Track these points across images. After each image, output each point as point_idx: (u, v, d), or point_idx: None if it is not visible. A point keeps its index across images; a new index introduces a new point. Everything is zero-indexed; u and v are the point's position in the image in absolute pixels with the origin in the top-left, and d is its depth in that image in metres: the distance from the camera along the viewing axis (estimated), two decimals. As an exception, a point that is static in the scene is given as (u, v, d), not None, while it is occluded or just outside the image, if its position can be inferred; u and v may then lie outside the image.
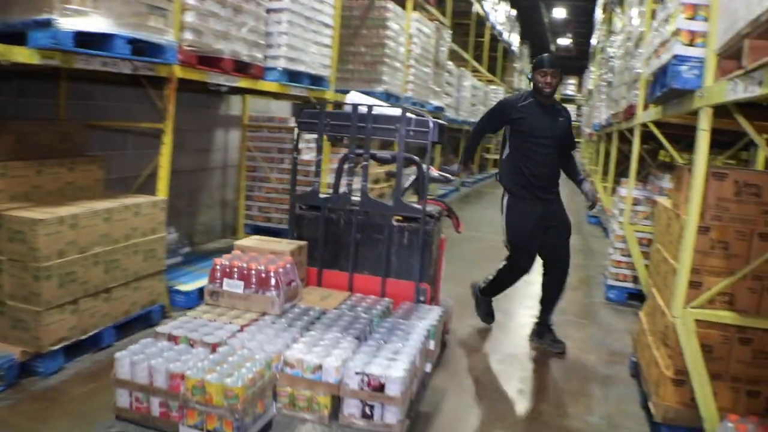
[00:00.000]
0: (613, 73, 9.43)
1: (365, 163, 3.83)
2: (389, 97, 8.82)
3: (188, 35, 4.51)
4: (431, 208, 3.93)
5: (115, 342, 4.25)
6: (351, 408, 2.75)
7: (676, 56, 3.30)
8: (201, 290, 5.14)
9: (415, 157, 4.12)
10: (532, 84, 4.64)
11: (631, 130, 7.56)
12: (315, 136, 7.65)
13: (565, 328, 5.31)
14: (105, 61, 3.81)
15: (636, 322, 5.54)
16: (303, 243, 3.79)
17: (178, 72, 4.47)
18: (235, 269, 3.34)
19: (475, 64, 16.76)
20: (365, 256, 3.87)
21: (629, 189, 6.20)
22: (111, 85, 5.57)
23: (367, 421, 2.73)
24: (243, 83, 5.38)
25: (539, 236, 4.64)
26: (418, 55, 9.90)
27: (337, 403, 2.78)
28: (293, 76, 6.18)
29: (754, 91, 2.27)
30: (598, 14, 17.07)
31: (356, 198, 3.85)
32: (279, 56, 5.86)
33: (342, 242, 3.90)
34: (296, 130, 4.11)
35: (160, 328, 3.04)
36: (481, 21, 16.69)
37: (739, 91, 2.46)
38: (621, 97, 7.71)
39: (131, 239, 4.32)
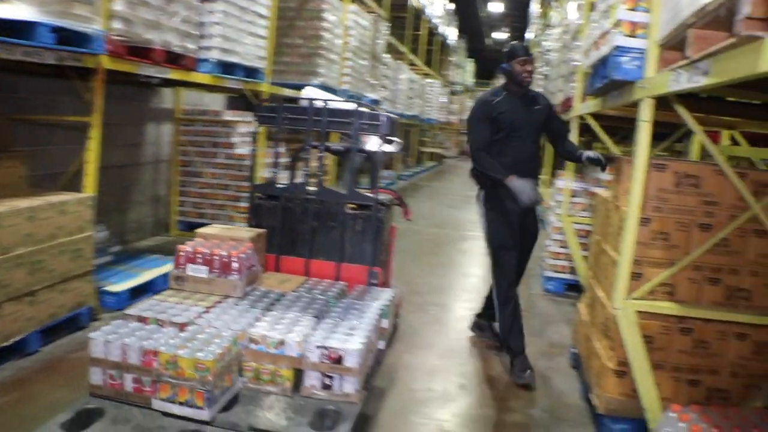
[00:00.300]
0: (550, 66, 9.50)
1: (320, 154, 4.03)
2: (325, 90, 8.69)
3: (117, 24, 4.33)
4: (383, 196, 4.10)
5: (41, 348, 4.04)
6: (312, 380, 2.94)
7: (617, 47, 3.28)
8: (133, 290, 4.96)
9: (368, 149, 4.23)
10: (506, 77, 4.30)
11: (568, 123, 7.64)
12: (250, 129, 7.70)
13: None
14: (27, 50, 3.61)
15: (575, 313, 5.60)
16: (262, 231, 3.92)
17: (106, 63, 4.28)
18: (199, 255, 3.49)
19: (412, 57, 16.74)
20: (321, 243, 4.04)
21: (567, 181, 6.24)
22: (36, 77, 5.31)
23: (327, 391, 2.93)
24: (175, 75, 5.22)
25: (518, 239, 4.33)
26: (354, 47, 9.80)
27: (298, 375, 2.96)
28: (227, 67, 6.04)
29: (698, 81, 2.25)
30: (534, 8, 17.21)
31: (312, 188, 4.03)
32: (212, 47, 5.71)
33: (298, 230, 4.05)
34: (255, 123, 4.24)
35: (129, 310, 3.19)
36: (418, 14, 16.68)
37: (683, 81, 2.44)
38: (558, 89, 7.76)
39: (57, 239, 4.12)
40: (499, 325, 4.45)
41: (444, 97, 22.16)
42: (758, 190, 3.25)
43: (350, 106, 4.06)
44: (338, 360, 2.89)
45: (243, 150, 7.56)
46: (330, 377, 2.92)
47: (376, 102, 11.68)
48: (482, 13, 26.77)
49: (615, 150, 6.32)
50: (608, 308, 3.54)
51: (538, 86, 11.80)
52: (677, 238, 3.30)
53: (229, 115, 7.76)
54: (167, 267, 5.55)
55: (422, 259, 7.42)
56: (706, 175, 3.27)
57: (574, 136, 6.22)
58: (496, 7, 26.14)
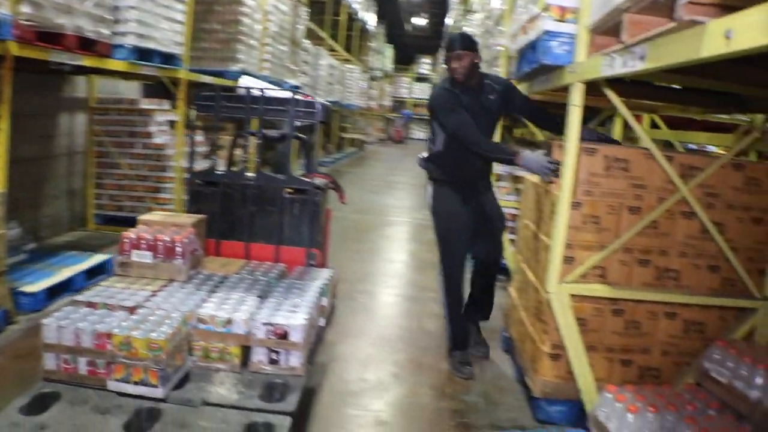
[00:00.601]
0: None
1: (258, 141, 4.13)
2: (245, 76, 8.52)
3: (25, 8, 4.06)
4: (318, 180, 4.21)
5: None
6: (259, 355, 3.06)
7: (546, 32, 3.28)
8: (50, 290, 4.69)
9: (303, 135, 4.38)
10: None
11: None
12: (168, 118, 7.46)
13: (432, 305, 5.33)
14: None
15: (504, 297, 5.65)
16: (202, 216, 3.98)
17: (15, 49, 4.01)
18: (143, 241, 3.55)
19: (332, 42, 16.59)
20: (259, 227, 4.12)
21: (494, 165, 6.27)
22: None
23: (274, 366, 3.05)
24: (88, 62, 4.96)
25: (470, 229, 4.15)
26: (274, 32, 9.63)
27: (246, 352, 3.07)
28: (143, 54, 5.80)
29: (634, 66, 2.25)
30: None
31: (250, 173, 4.10)
32: (127, 32, 5.48)
33: (237, 214, 4.12)
34: (193, 111, 4.34)
35: (78, 297, 3.25)
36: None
37: (617, 66, 2.45)
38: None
39: (-35, 237, 3.86)
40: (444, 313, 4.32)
41: (364, 82, 22.08)
42: (685, 173, 3.33)
43: (286, 94, 4.15)
44: (284, 335, 3.02)
45: (161, 139, 7.31)
46: (276, 352, 3.05)
47: (297, 88, 11.53)
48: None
49: (540, 135, 6.41)
50: (541, 292, 3.56)
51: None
52: (608, 222, 3.34)
53: (145, 104, 7.48)
54: (86, 263, 5.34)
55: (347, 246, 7.36)
56: (635, 159, 3.32)
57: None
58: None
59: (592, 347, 3.40)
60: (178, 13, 6.35)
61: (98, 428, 2.56)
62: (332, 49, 16.81)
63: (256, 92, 4.08)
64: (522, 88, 4.57)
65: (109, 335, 2.81)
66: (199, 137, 7.95)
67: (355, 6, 18.62)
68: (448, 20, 20.73)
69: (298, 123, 4.11)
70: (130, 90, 8.35)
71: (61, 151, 7.03)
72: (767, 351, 3.12)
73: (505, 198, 6.29)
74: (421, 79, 33.74)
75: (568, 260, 3.31)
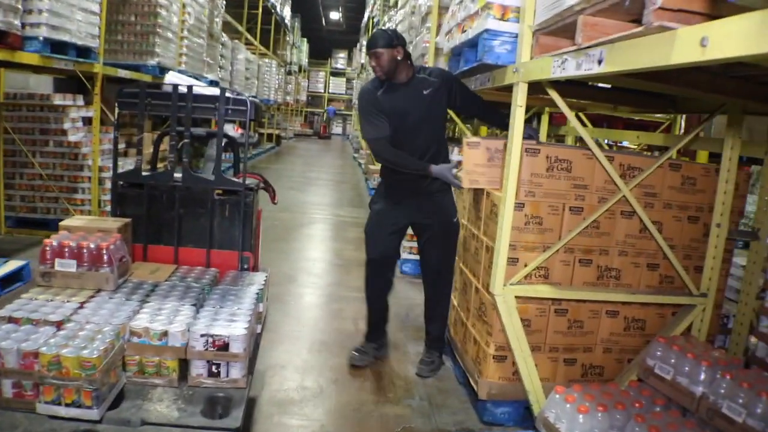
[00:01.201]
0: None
1: (185, 140, 3.85)
2: (163, 71, 8.22)
3: (-73, -4, 3.76)
4: (249, 181, 4.02)
5: None
6: (198, 369, 2.87)
7: (487, 30, 3.24)
8: None
9: (231, 135, 4.23)
10: None
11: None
12: (82, 114, 7.11)
13: (363, 305, 5.24)
14: None
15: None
16: (128, 220, 3.76)
17: None
18: (66, 248, 3.29)
19: (249, 36, 16.26)
20: (189, 230, 3.92)
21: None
22: None
23: (215, 379, 2.87)
24: (-1, 55, 4.65)
25: (400, 230, 4.13)
26: (191, 25, 9.38)
27: (184, 365, 2.88)
28: (57, 47, 5.49)
29: (591, 69, 2.23)
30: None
31: (178, 174, 3.84)
32: (40, 23, 5.16)
33: (165, 217, 3.91)
34: (116, 109, 3.95)
35: (1, 310, 2.96)
36: (254, -8, 16.22)
37: (569, 68, 2.43)
38: (405, 71, 7.76)
39: None
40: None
41: (280, 77, 21.78)
42: (625, 173, 3.36)
43: (214, 91, 3.93)
44: (224, 347, 2.86)
45: (76, 137, 6.95)
46: (217, 365, 2.88)
47: (215, 83, 11.25)
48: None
49: (468, 133, 6.41)
50: (483, 294, 3.54)
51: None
52: (550, 222, 3.34)
53: (59, 99, 7.09)
54: (1, 270, 4.97)
55: (273, 246, 7.20)
56: (577, 159, 3.32)
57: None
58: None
59: (536, 347, 3.40)
60: (93, 3, 6.04)
61: (32, 457, 2.37)
62: (249, 43, 16.48)
63: (183, 89, 3.81)
64: (456, 86, 4.55)
65: (36, 354, 2.56)
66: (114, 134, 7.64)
67: (272, 0, 18.31)
68: (366, 15, 20.69)
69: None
70: (41, 85, 7.93)
71: (-33, 150, 6.57)
72: (706, 346, 3.20)
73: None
74: (336, 73, 33.60)
75: (512, 261, 3.29)
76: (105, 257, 3.29)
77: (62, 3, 5.39)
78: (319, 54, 33.00)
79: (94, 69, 6.38)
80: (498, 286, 3.20)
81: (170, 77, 4.41)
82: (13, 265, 5.16)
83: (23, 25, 5.00)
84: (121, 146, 7.91)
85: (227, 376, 2.89)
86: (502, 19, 3.24)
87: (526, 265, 3.31)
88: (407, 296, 5.70)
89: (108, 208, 7.02)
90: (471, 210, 4.03)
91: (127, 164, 7.46)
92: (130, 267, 3.60)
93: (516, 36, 3.21)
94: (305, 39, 29.95)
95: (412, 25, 7.34)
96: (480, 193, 3.81)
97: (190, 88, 3.82)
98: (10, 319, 2.88)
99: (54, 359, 2.51)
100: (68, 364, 2.51)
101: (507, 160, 3.14)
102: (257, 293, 3.48)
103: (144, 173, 3.96)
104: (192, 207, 3.91)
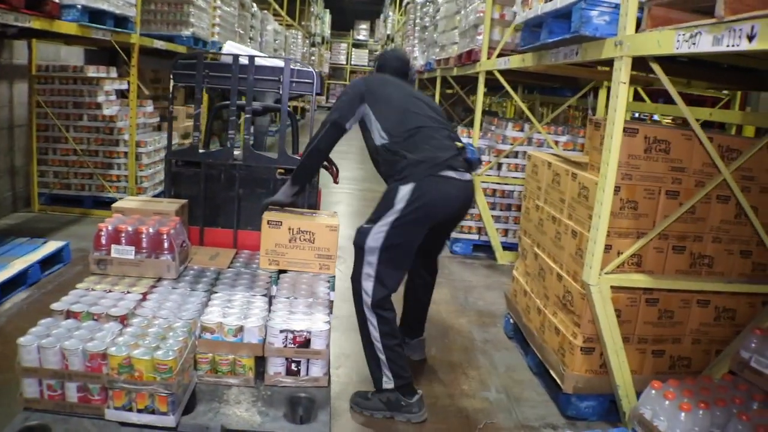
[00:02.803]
0: (432, 17, 9.22)
1: (248, 116, 3.64)
2: (197, 42, 8.01)
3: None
4: None
5: None
6: (276, 367, 2.68)
7: (586, 0, 3.00)
8: (4, 286, 4.16)
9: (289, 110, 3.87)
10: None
11: (458, 78, 7.42)
12: (116, 87, 6.92)
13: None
14: None
15: (490, 276, 5.47)
16: (184, 201, 3.58)
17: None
18: (123, 233, 3.06)
19: (277, 6, 15.96)
20: (249, 212, 3.67)
21: (474, 139, 6.01)
22: None
23: (294, 377, 2.69)
24: (36, 23, 4.42)
25: None
26: (223, -7, 9.10)
27: (260, 363, 2.70)
28: (94, 15, 5.27)
29: (737, 45, 2.00)
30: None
31: (237, 152, 3.67)
32: (78, -10, 4.93)
33: (224, 198, 3.71)
34: (172, 82, 3.76)
35: (55, 305, 2.72)
36: (280, -40, 15.88)
37: (703, 43, 2.19)
38: (450, 42, 7.48)
39: None
40: None
41: (306, 49, 21.47)
42: (724, 155, 3.13)
43: (277, 62, 3.70)
44: (305, 343, 2.65)
45: (111, 110, 6.77)
46: (296, 362, 2.69)
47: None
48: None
49: (521, 104, 6.17)
50: (570, 282, 3.35)
51: (411, 38, 11.56)
52: (645, 207, 3.13)
53: (92, 71, 6.90)
54: (40, 252, 4.81)
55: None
56: (676, 140, 3.10)
57: (480, 92, 6.00)
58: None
59: (625, 339, 3.19)
60: (131, -30, 5.83)
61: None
62: (276, 14, 16.18)
63: (244, 60, 3.60)
64: (527, 60, 4.30)
65: (104, 356, 2.34)
66: (149, 108, 7.46)
67: (298, -31, 17.97)
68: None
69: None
70: (72, 56, 7.73)
71: (0, 124, 6.41)
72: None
73: (486, 173, 6.03)
74: (358, 45, 33.15)
75: (605, 249, 3.08)
76: (165, 243, 3.06)
77: (101, -31, 5.19)
78: (341, 25, 32.55)
79: (131, 39, 6.18)
80: (593, 276, 2.98)
81: (228, 47, 4.18)
82: (52, 246, 5.02)
83: (61, -8, 4.78)
84: (156, 120, 7.71)
85: (307, 374, 2.70)
86: (598, -12, 3.00)
87: (619, 253, 3.09)
88: (462, 278, 5.51)
89: (145, 184, 6.87)
90: (549, 191, 3.81)
91: (162, 139, 7.31)
92: (190, 253, 3.41)
93: (615, 6, 2.97)
94: (327, 10, 29.53)
95: (460, -6, 7.06)
96: (564, 172, 3.59)
97: (251, 59, 3.60)
98: (69, 314, 2.68)
99: (125, 361, 2.30)
100: (141, 366, 2.30)
101: (607, 142, 2.91)
102: (329, 281, 3.27)
103: (201, 151, 3.76)
104: (252, 187, 3.69)
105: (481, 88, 5.95)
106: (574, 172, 3.43)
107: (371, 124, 3.26)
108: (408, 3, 14.00)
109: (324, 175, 3.79)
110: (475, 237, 6.24)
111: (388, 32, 21.24)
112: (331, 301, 3.18)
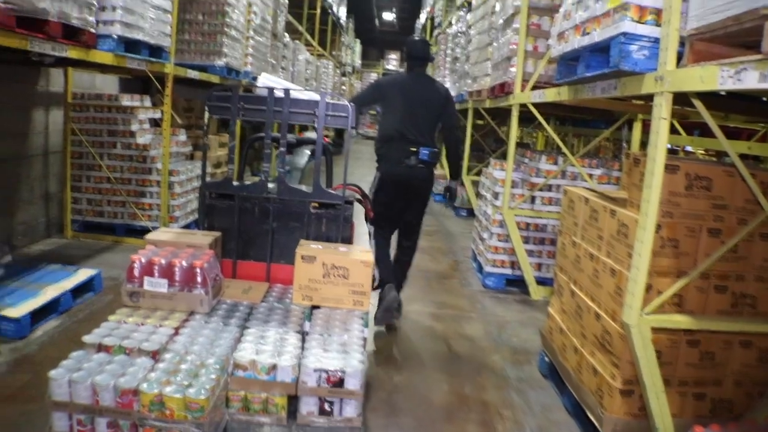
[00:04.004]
0: (464, 48, 9.21)
1: (282, 149, 3.66)
2: (230, 72, 8.08)
3: (3, -11, 3.56)
4: (348, 193, 3.82)
5: None
6: (309, 406, 2.66)
7: (625, 34, 2.94)
8: (35, 313, 4.15)
9: (328, 143, 4.01)
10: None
11: (492, 110, 7.38)
12: (150, 115, 6.98)
13: (453, 323, 5.03)
14: None
15: (524, 312, 5.37)
16: (218, 234, 3.60)
17: (-9, 37, 3.53)
18: (156, 266, 3.06)
19: (308, 37, 16.12)
20: (282, 245, 3.70)
21: (507, 172, 5.95)
22: None
23: (327, 417, 2.65)
24: (73, 53, 4.48)
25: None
26: (257, 25, 9.22)
27: (293, 402, 2.68)
28: (130, 45, 5.34)
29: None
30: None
31: (271, 185, 3.72)
32: (114, 21, 5.01)
33: (257, 231, 3.72)
34: (206, 114, 3.82)
35: (87, 338, 2.75)
36: (313, -8, 16.05)
37: (749, 80, 2.12)
38: (483, 74, 7.47)
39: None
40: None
41: (336, 78, 21.62)
42: (766, 191, 3.03)
43: (313, 95, 3.73)
44: (339, 383, 2.63)
45: (144, 139, 6.83)
46: (330, 402, 2.67)
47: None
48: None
49: (555, 137, 6.10)
50: (608, 322, 3.25)
51: (447, 69, 11.55)
52: (687, 245, 3.04)
53: (127, 100, 6.99)
54: (72, 280, 4.81)
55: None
56: (717, 176, 3.01)
57: (514, 125, 5.95)
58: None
59: (666, 381, 3.07)
60: (165, 0, 5.88)
61: None
62: (307, 44, 16.34)
63: (279, 93, 3.64)
64: (562, 93, 4.25)
65: (135, 392, 2.37)
66: (182, 137, 7.52)
67: (330, 0, 18.15)
68: (422, 16, 20.42)
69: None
70: (106, 85, 7.84)
71: (36, 151, 6.49)
72: None
73: (520, 207, 5.96)
74: (388, 74, 33.38)
75: (646, 288, 2.98)
76: (198, 277, 3.06)
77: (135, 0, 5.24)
78: (372, 55, 32.85)
79: (165, 69, 6.23)
80: (633, 316, 2.89)
81: (263, 80, 4.21)
82: (84, 274, 5.01)
83: (97, 23, 4.83)
84: (188, 149, 7.77)
85: (341, 414, 2.66)
86: (639, 21, 2.94)
87: (659, 293, 3.00)
88: (495, 313, 5.42)
89: (177, 213, 6.90)
90: (586, 228, 3.73)
91: (194, 168, 7.35)
92: (222, 286, 3.41)
93: (654, 40, 2.91)
94: (358, 40, 29.79)
95: (493, 25, 7.03)
96: (602, 209, 3.52)
97: (287, 92, 3.63)
98: (101, 347, 2.69)
99: (156, 398, 2.32)
100: (173, 405, 2.32)
101: (647, 180, 2.83)
102: (363, 318, 3.25)
103: (235, 183, 3.78)
104: (286, 221, 3.71)
105: (514, 122, 5.90)
106: (612, 209, 3.35)
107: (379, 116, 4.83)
108: (439, 34, 14.06)
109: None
110: (508, 271, 6.15)
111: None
112: (365, 338, 3.15)
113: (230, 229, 3.69)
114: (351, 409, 2.67)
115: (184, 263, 3.06)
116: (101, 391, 2.38)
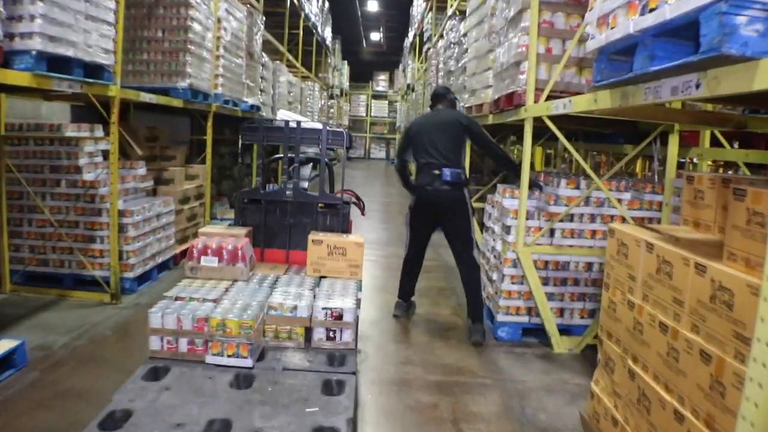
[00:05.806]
0: (458, 60, 8.23)
1: (296, 164, 4.56)
2: (196, 95, 7.08)
3: None
4: (345, 196, 4.72)
5: None
6: (319, 334, 3.41)
7: (726, 1, 1.92)
8: None
9: (327, 160, 4.78)
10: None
11: (490, 126, 6.40)
12: (100, 147, 5.98)
13: (463, 396, 4.03)
14: None
15: (549, 373, 4.36)
16: (250, 228, 4.50)
17: None
18: (209, 248, 3.94)
19: (291, 57, 15.14)
20: (297, 236, 4.55)
21: (522, 202, 4.90)
22: None
23: (332, 342, 3.41)
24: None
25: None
26: (228, 42, 8.24)
27: (309, 332, 3.43)
28: (56, 63, 4.34)
29: None
30: (420, 3, 16.08)
31: (289, 191, 4.57)
32: (32, 33, 3.99)
33: (278, 226, 4.60)
34: (240, 141, 4.77)
35: (168, 293, 3.57)
36: (296, 11, 15.05)
37: None
38: (483, 86, 6.45)
39: None
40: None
41: (323, 101, 20.64)
42: None
43: (317, 125, 4.66)
44: (339, 317, 3.39)
45: (92, 175, 5.80)
46: (333, 331, 3.41)
47: (256, 108, 10.09)
48: (359, 12, 25.25)
49: (579, 157, 5.10)
50: (696, 426, 2.20)
51: (437, 82, 10.55)
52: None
53: (72, 130, 5.96)
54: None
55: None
56: None
57: (527, 143, 4.93)
58: (372, 6, 24.63)
59: None
60: (106, 11, 4.87)
61: (210, 386, 2.91)
62: (290, 65, 15.35)
63: (293, 124, 4.49)
64: (602, 100, 3.22)
65: (206, 319, 3.17)
66: (141, 170, 6.49)
67: (314, 19, 17.21)
68: (410, 33, 19.54)
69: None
70: (55, 113, 6.80)
71: (-36, 193, 5.42)
72: None
73: (538, 242, 4.92)
74: (378, 96, 32.48)
75: None
76: (240, 254, 3.92)
77: (63, 8, 4.23)
78: (360, 77, 31.95)
79: (109, 92, 5.21)
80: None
81: (281, 114, 5.25)
82: (4, 346, 4.00)
83: (11, 36, 3.83)
84: (148, 183, 6.75)
85: (341, 339, 3.41)
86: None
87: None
88: (513, 377, 4.35)
89: (132, 260, 5.88)
90: (652, 285, 2.68)
91: (154, 207, 6.34)
92: (255, 264, 4.24)
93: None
94: (345, 61, 28.92)
95: (493, 29, 6.03)
96: (678, 261, 2.47)
97: (298, 123, 4.51)
98: (177, 299, 3.47)
99: (221, 322, 3.13)
100: (232, 325, 3.12)
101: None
102: (357, 283, 4.00)
103: (263, 191, 4.61)
104: (300, 217, 4.59)
105: (528, 139, 4.89)
106: (699, 263, 2.30)
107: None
108: (428, 49, 13.10)
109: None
110: (525, 319, 5.10)
111: (408, 81, 20.40)
112: (358, 293, 3.87)
113: (259, 225, 4.58)
114: (348, 336, 3.43)
115: (229, 246, 3.95)
116: (183, 319, 3.19)
